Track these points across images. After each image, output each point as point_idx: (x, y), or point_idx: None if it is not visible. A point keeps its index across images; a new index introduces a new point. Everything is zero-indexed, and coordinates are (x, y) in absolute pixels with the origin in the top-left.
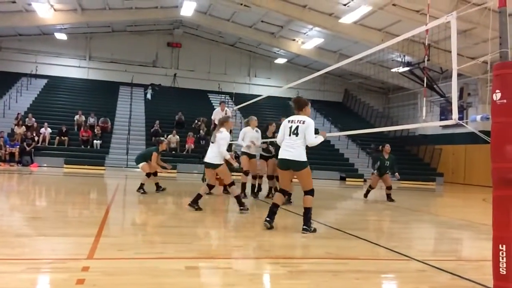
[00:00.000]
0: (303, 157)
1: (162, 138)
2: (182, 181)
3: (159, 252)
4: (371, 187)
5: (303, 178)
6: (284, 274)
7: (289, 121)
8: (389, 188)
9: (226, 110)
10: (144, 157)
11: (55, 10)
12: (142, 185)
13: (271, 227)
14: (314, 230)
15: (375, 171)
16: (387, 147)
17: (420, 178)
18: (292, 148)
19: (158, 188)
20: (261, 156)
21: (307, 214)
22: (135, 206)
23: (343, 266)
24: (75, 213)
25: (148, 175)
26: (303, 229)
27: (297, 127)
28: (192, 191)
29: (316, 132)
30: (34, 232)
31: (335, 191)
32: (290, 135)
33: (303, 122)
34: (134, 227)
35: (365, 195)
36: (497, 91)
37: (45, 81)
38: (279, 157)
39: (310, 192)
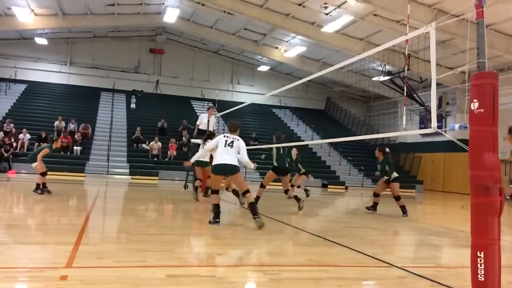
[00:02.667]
0: (237, 163)
1: (56, 137)
2: (163, 188)
3: (139, 260)
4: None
5: (238, 180)
6: (266, 282)
7: (224, 136)
8: (395, 198)
9: (211, 118)
10: (36, 156)
11: (35, 14)
12: (38, 185)
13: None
14: (262, 225)
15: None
16: (377, 151)
17: (400, 185)
18: (229, 155)
19: (43, 188)
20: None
21: (253, 207)
22: (115, 214)
23: (324, 273)
24: (53, 220)
25: (43, 174)
26: (256, 219)
27: (232, 141)
28: (174, 198)
29: None
30: (10, 240)
31: (317, 198)
32: (225, 146)
33: (238, 140)
34: (114, 235)
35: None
36: (475, 100)
37: (24, 86)
38: (217, 162)
39: (248, 191)
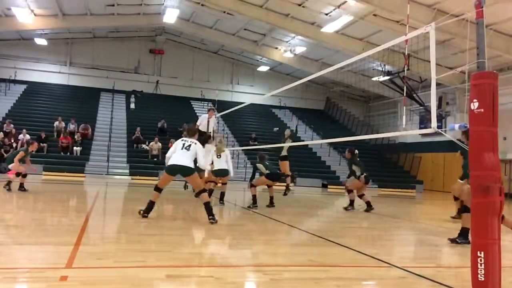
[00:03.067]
0: (192, 165)
1: (32, 140)
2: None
3: (139, 261)
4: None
5: (194, 181)
6: (266, 282)
7: (182, 140)
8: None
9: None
10: (13, 158)
11: (35, 15)
12: (21, 184)
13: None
14: (216, 222)
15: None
16: (346, 151)
17: (400, 185)
18: (184, 157)
19: (20, 187)
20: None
21: (208, 207)
22: (115, 214)
23: (324, 274)
24: (53, 221)
25: (17, 174)
26: (210, 222)
27: (189, 145)
28: (174, 198)
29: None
30: (11, 240)
31: (317, 198)
32: (182, 149)
33: (195, 143)
34: (114, 235)
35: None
36: (475, 100)
37: (24, 86)
38: (170, 163)
39: (203, 191)
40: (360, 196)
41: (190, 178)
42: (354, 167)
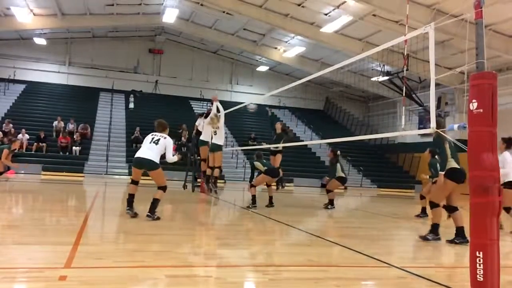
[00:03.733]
0: (157, 160)
1: (15, 138)
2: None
3: (138, 261)
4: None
5: (156, 176)
6: (265, 282)
7: (152, 134)
8: (327, 191)
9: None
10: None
11: (34, 14)
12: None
13: (135, 215)
14: (158, 218)
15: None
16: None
17: (399, 185)
18: (150, 151)
19: None
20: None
21: (154, 203)
22: (114, 214)
23: (323, 274)
24: (52, 221)
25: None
26: (147, 215)
27: (158, 139)
28: (173, 198)
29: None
30: (9, 240)
31: (316, 198)
32: (150, 143)
33: (165, 138)
34: (113, 235)
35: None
36: (474, 100)
37: (23, 86)
38: (136, 156)
39: (163, 188)
40: (328, 191)
41: (153, 173)
42: (337, 167)
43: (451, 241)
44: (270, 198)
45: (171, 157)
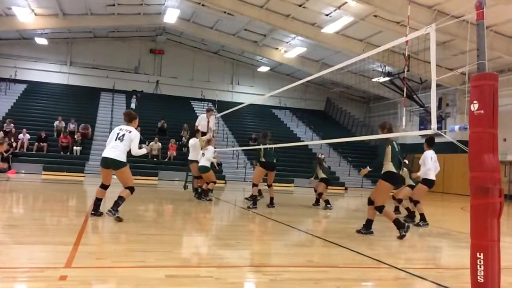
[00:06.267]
0: (122, 158)
1: (2, 140)
2: (163, 188)
3: (139, 261)
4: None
5: (122, 176)
6: (265, 283)
7: (118, 128)
8: (318, 195)
9: (211, 118)
10: None
11: (35, 14)
12: None
13: (99, 214)
14: (119, 219)
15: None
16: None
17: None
18: (115, 149)
19: None
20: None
21: (118, 201)
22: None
23: (324, 274)
24: (53, 220)
25: None
26: (109, 210)
27: (123, 135)
28: (174, 198)
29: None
30: (10, 240)
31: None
32: (116, 140)
33: (130, 132)
34: (114, 235)
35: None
36: (475, 101)
37: (24, 86)
38: (102, 155)
39: (130, 188)
40: (320, 195)
41: (118, 172)
42: (318, 170)
43: (360, 231)
44: (271, 198)
45: (137, 150)
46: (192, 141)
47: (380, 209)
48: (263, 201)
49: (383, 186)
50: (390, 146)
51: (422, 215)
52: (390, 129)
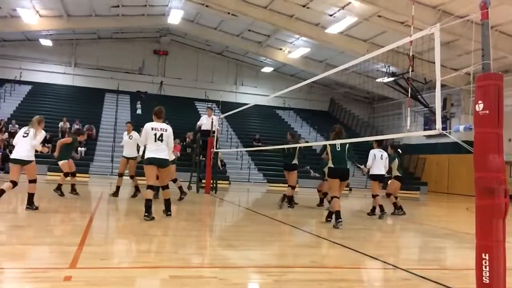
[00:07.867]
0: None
1: (82, 131)
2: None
3: (143, 261)
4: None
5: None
6: (269, 283)
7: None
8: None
9: (212, 117)
10: None
11: (40, 16)
12: None
13: (152, 219)
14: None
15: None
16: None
17: (404, 187)
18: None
19: None
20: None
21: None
22: (119, 215)
23: (328, 275)
24: (57, 221)
25: None
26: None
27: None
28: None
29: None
30: (15, 240)
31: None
32: (155, 141)
33: (166, 130)
34: (118, 236)
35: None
36: (480, 102)
37: (29, 87)
38: (149, 156)
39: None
40: (324, 195)
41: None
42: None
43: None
44: (290, 198)
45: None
46: (126, 137)
47: (334, 197)
48: (264, 202)
49: (328, 180)
50: (329, 147)
51: (381, 206)
52: (338, 133)
